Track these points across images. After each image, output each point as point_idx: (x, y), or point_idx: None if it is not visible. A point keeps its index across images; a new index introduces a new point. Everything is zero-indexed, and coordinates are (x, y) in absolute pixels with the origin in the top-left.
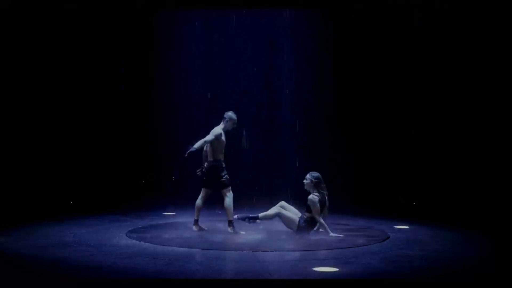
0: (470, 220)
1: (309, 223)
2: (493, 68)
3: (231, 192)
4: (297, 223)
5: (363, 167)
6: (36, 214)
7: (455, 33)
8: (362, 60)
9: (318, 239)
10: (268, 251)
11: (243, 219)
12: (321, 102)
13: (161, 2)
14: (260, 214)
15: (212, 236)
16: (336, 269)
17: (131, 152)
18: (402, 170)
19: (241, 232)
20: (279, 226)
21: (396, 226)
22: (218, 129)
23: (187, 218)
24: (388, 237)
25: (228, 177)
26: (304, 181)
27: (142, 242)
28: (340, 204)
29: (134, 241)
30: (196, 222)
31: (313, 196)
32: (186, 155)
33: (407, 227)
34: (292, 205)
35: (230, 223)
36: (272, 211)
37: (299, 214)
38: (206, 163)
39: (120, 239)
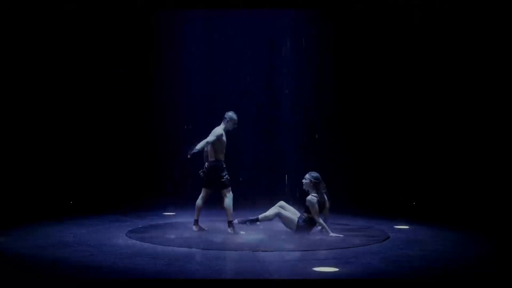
0: (470, 220)
1: (307, 223)
2: (493, 68)
3: (231, 192)
4: (296, 223)
5: (363, 167)
6: (36, 214)
7: (455, 33)
8: (362, 60)
9: (318, 239)
10: (268, 251)
11: (243, 222)
12: (321, 102)
13: (161, 2)
14: (260, 216)
15: (212, 236)
16: (336, 269)
17: (131, 152)
18: (402, 170)
19: (241, 232)
20: (279, 226)
21: (396, 226)
22: (219, 130)
23: (187, 218)
24: (388, 237)
25: (229, 178)
26: (303, 181)
27: (142, 242)
28: (340, 204)
29: (134, 241)
30: (196, 222)
31: (311, 197)
32: (189, 156)
33: (407, 227)
34: (291, 205)
35: (230, 223)
36: (272, 211)
37: (298, 214)
38: (206, 163)
39: (120, 239)
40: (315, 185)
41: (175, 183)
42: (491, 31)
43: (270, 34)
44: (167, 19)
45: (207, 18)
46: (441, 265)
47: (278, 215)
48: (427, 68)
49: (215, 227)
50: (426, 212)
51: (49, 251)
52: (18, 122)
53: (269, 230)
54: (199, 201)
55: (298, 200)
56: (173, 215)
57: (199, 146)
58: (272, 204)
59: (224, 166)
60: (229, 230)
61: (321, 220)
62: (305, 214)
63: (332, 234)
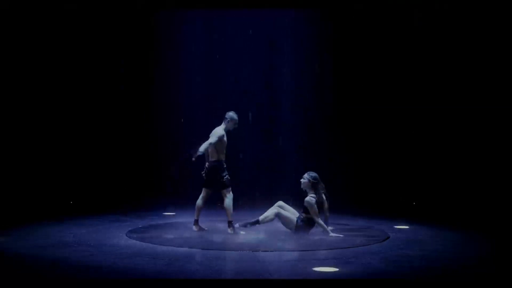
0: (470, 220)
1: (306, 223)
2: (493, 68)
3: (231, 193)
4: (295, 223)
5: (363, 167)
6: (36, 214)
7: (455, 33)
8: (362, 60)
9: (318, 239)
10: (268, 251)
11: (244, 226)
12: (321, 102)
13: (161, 2)
14: (260, 218)
15: (212, 236)
16: (336, 269)
17: (131, 152)
18: (402, 170)
19: (241, 232)
20: (279, 226)
21: (396, 226)
22: (220, 130)
23: (187, 218)
24: (388, 237)
25: (229, 178)
26: (301, 180)
27: (142, 242)
28: (340, 204)
29: (134, 241)
30: (196, 222)
31: (310, 198)
32: (193, 159)
33: (407, 227)
34: (291, 205)
35: (230, 223)
36: (271, 212)
37: (297, 214)
38: (207, 163)
39: (120, 239)
40: (313, 185)
41: (175, 183)
42: (491, 31)
43: (270, 34)
44: (167, 19)
45: (207, 18)
46: (441, 265)
47: (277, 215)
48: (427, 68)
49: (215, 227)
50: (426, 212)
51: (49, 251)
52: (18, 122)
53: (269, 230)
54: (199, 201)
55: (297, 200)
56: (173, 215)
57: (202, 148)
58: (272, 204)
59: (225, 166)
60: (229, 230)
61: (320, 221)
62: (304, 215)
63: (332, 234)
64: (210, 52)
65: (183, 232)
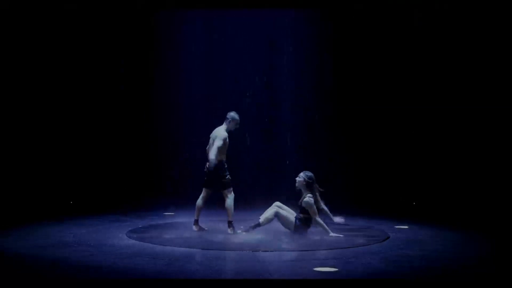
0: (470, 220)
1: (304, 223)
2: (493, 68)
3: (232, 193)
4: (294, 223)
5: (363, 167)
6: (36, 214)
7: (455, 33)
8: (362, 60)
9: (318, 239)
10: (268, 251)
11: (247, 231)
12: (321, 102)
13: (161, 2)
14: (261, 220)
15: (212, 236)
16: (336, 269)
17: (131, 152)
18: (402, 170)
19: (243, 233)
20: (279, 226)
21: (396, 226)
22: (223, 132)
23: (187, 218)
24: (388, 237)
25: (230, 178)
26: (297, 179)
27: (142, 242)
28: (340, 204)
29: (134, 241)
30: (196, 222)
31: (309, 198)
32: (211, 169)
33: (406, 227)
34: (290, 206)
35: (230, 224)
36: (271, 212)
37: (294, 214)
38: (208, 163)
39: (120, 239)
40: (308, 185)
41: (175, 183)
42: (491, 31)
43: (270, 34)
44: (167, 19)
45: (207, 18)
46: (441, 265)
47: (276, 215)
48: (427, 68)
49: (215, 227)
50: (426, 212)
51: (49, 251)
52: (18, 122)
53: (269, 230)
54: (199, 201)
55: (297, 200)
56: (172, 215)
57: (212, 156)
58: (270, 204)
59: (226, 166)
60: (229, 230)
61: (320, 221)
62: (301, 215)
63: (332, 234)
64: (210, 52)
65: (183, 232)
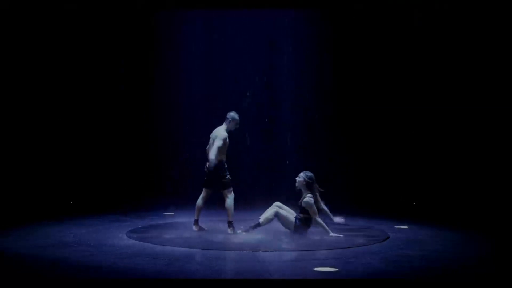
0: (470, 220)
1: (304, 223)
2: (493, 68)
3: (232, 193)
4: (294, 223)
5: (363, 167)
6: (36, 214)
7: (455, 33)
8: (362, 60)
9: (318, 239)
10: (268, 251)
11: (247, 231)
12: (321, 102)
13: (161, 2)
14: (261, 220)
15: (212, 236)
16: (336, 269)
17: (131, 152)
18: (402, 170)
19: (243, 233)
20: (279, 226)
21: (396, 226)
22: (223, 132)
23: (187, 218)
24: (388, 237)
25: (230, 178)
26: (297, 178)
27: (142, 242)
28: (340, 204)
29: (134, 241)
30: (196, 222)
31: (309, 198)
32: (212, 169)
33: (407, 227)
34: (290, 206)
35: (230, 224)
36: (271, 212)
37: (294, 214)
38: (208, 163)
39: (120, 239)
40: (308, 185)
41: (175, 183)
42: (491, 31)
43: (270, 34)
44: (167, 19)
45: (207, 18)
46: (441, 265)
47: (276, 215)
48: (427, 68)
49: (215, 227)
50: (426, 212)
51: (49, 251)
52: (18, 122)
53: (269, 230)
54: (199, 201)
55: (296, 200)
56: (172, 215)
57: (212, 156)
58: (270, 204)
59: (226, 166)
60: (229, 230)
61: (321, 221)
62: (301, 215)
63: (332, 234)
64: (210, 52)
65: (183, 232)
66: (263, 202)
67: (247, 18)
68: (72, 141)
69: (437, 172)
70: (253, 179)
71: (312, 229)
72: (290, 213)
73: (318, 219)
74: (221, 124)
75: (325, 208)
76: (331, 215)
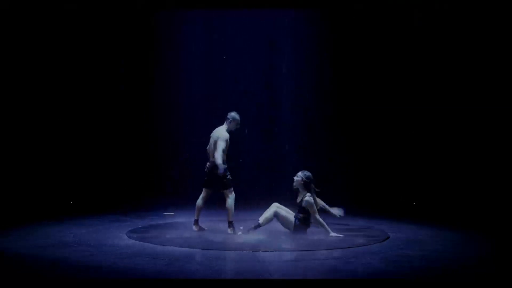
0: (470, 220)
1: (303, 223)
2: (493, 68)
3: (233, 193)
4: (293, 223)
5: (363, 167)
6: (36, 214)
7: (455, 33)
8: (362, 60)
9: (318, 239)
10: (268, 251)
11: (247, 232)
12: (321, 102)
13: (161, 2)
14: (261, 221)
15: (212, 236)
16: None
17: (131, 152)
18: (402, 170)
19: (240, 233)
20: (279, 226)
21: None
22: (225, 133)
23: (187, 218)
24: (388, 237)
25: (231, 178)
26: (295, 178)
27: (142, 242)
28: (340, 204)
29: (134, 241)
30: (196, 222)
31: (309, 197)
32: (221, 174)
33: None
34: (289, 206)
35: (230, 224)
36: (270, 212)
37: (292, 214)
38: (208, 163)
39: (120, 239)
40: (305, 185)
41: (175, 183)
42: (491, 31)
43: (270, 34)
44: (167, 19)
45: (207, 18)
46: (441, 265)
47: (276, 215)
48: (427, 68)
49: (215, 227)
50: (426, 212)
51: (49, 251)
52: (18, 122)
53: (269, 230)
54: (199, 201)
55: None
56: (172, 215)
57: (220, 161)
58: (270, 204)
59: (226, 166)
60: (229, 230)
61: (321, 220)
62: (301, 215)
63: (332, 234)
64: (210, 52)
65: (183, 232)
66: (263, 202)
67: (247, 18)
68: (72, 141)
69: (437, 172)
70: (253, 179)
71: (312, 229)
72: (289, 213)
73: (319, 218)
74: (221, 124)
75: (322, 202)
76: (328, 207)
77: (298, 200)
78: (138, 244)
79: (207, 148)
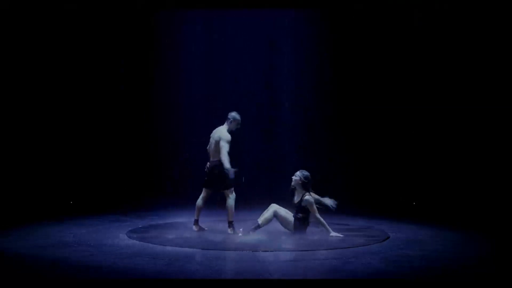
0: (470, 220)
1: (303, 223)
2: (493, 68)
3: (234, 193)
4: (293, 223)
5: (363, 167)
6: (36, 214)
7: (455, 33)
8: (362, 60)
9: (318, 239)
10: (268, 251)
11: (247, 233)
12: (321, 102)
13: (161, 2)
14: (260, 221)
15: (212, 236)
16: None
17: (131, 152)
18: (402, 170)
19: (240, 234)
20: (278, 226)
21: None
22: (227, 134)
23: (187, 218)
24: (388, 237)
25: (231, 178)
26: (293, 177)
27: (142, 242)
28: (340, 204)
29: (134, 241)
30: (196, 222)
31: (309, 197)
32: (232, 177)
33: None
34: (287, 206)
35: (231, 224)
36: (269, 212)
37: (291, 214)
38: (208, 163)
39: (120, 239)
40: (303, 185)
41: (175, 183)
42: (491, 31)
43: (270, 34)
44: (167, 19)
45: (207, 18)
46: (441, 265)
47: (275, 215)
48: (427, 68)
49: (215, 227)
50: (426, 212)
51: (49, 251)
52: (18, 122)
53: (269, 230)
54: (199, 201)
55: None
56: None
57: (228, 165)
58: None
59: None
60: (229, 230)
61: (321, 219)
62: (300, 214)
63: (333, 233)
64: (210, 52)
65: (183, 232)
66: (263, 202)
67: (247, 18)
68: (72, 141)
69: (437, 172)
70: (253, 179)
71: (312, 229)
72: (288, 214)
73: (320, 217)
74: (221, 124)
75: (316, 195)
76: (320, 198)
77: (296, 199)
78: (138, 244)
79: (207, 147)
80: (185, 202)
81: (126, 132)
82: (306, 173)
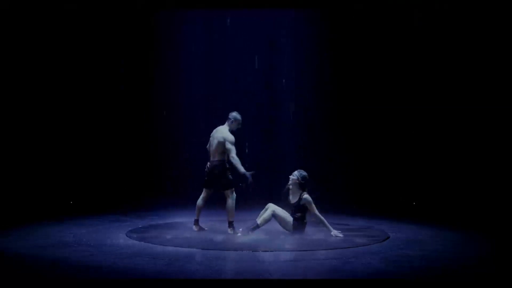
0: (470, 220)
1: (301, 222)
2: (493, 68)
3: (234, 193)
4: (291, 224)
5: (363, 167)
6: (36, 214)
7: (455, 33)
8: (362, 60)
9: (318, 239)
10: (268, 251)
11: (246, 233)
12: (321, 102)
13: (161, 2)
14: (259, 222)
15: (212, 236)
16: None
17: (131, 152)
18: (402, 170)
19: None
20: (278, 226)
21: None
22: (230, 135)
23: (187, 218)
24: (388, 237)
25: (232, 178)
26: (291, 177)
27: (142, 242)
28: (340, 204)
29: (134, 241)
30: (196, 222)
31: (307, 196)
32: (251, 179)
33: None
34: (284, 207)
35: (231, 224)
36: (268, 213)
37: (288, 214)
38: (209, 163)
39: (120, 239)
40: (300, 185)
41: (175, 183)
42: (491, 31)
43: (270, 34)
44: (167, 19)
45: (207, 18)
46: (441, 265)
47: (274, 215)
48: (427, 68)
49: (215, 227)
50: (426, 212)
51: (49, 251)
52: (18, 122)
53: (269, 230)
54: (199, 201)
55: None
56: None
57: (242, 169)
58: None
59: (228, 166)
60: (229, 230)
61: (322, 217)
62: (298, 214)
63: (334, 231)
64: (210, 52)
65: (183, 232)
66: (263, 202)
67: (247, 18)
68: (72, 141)
69: (437, 172)
70: (253, 179)
71: (312, 228)
72: (285, 213)
73: (320, 215)
74: (221, 123)
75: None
76: (330, 227)
77: (292, 199)
78: (138, 244)
79: (207, 147)
80: (185, 202)
81: (126, 132)
82: (304, 173)
